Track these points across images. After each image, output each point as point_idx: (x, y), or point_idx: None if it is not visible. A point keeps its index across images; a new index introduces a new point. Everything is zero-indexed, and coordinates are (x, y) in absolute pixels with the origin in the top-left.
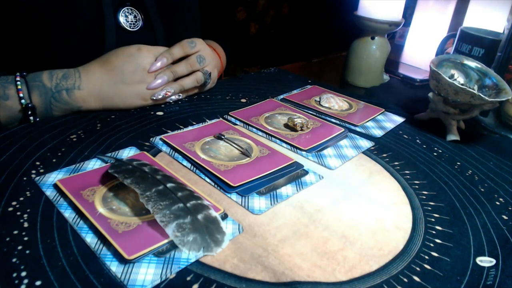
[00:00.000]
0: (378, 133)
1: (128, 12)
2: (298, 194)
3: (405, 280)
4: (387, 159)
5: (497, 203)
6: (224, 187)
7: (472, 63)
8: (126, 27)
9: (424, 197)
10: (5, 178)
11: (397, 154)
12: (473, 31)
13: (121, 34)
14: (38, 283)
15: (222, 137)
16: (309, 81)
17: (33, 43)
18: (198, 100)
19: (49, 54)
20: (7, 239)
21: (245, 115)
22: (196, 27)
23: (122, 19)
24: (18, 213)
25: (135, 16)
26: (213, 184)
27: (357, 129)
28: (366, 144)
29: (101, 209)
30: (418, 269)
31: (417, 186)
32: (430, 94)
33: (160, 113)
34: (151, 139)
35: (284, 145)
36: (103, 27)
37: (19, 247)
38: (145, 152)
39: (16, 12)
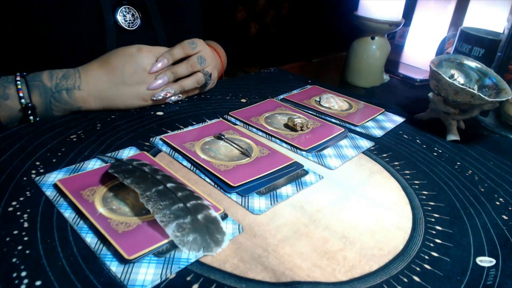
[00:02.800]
0: (378, 133)
1: (125, 11)
2: (298, 194)
3: (405, 280)
4: (387, 159)
5: (497, 203)
6: (224, 187)
7: (472, 63)
8: (124, 26)
9: (424, 197)
10: (5, 178)
11: (397, 154)
12: (473, 31)
13: (120, 33)
14: (38, 283)
15: (222, 137)
16: (309, 81)
17: (33, 43)
18: (198, 100)
19: (49, 54)
20: (7, 239)
21: (245, 115)
22: (198, 27)
23: (120, 18)
24: (18, 213)
25: (132, 15)
26: (213, 184)
27: (357, 129)
28: (366, 144)
29: (101, 209)
30: (418, 269)
31: (417, 186)
32: (430, 94)
33: (160, 113)
34: (151, 139)
35: (284, 145)
36: (103, 26)
37: (19, 247)
38: (145, 152)
39: (16, 12)
